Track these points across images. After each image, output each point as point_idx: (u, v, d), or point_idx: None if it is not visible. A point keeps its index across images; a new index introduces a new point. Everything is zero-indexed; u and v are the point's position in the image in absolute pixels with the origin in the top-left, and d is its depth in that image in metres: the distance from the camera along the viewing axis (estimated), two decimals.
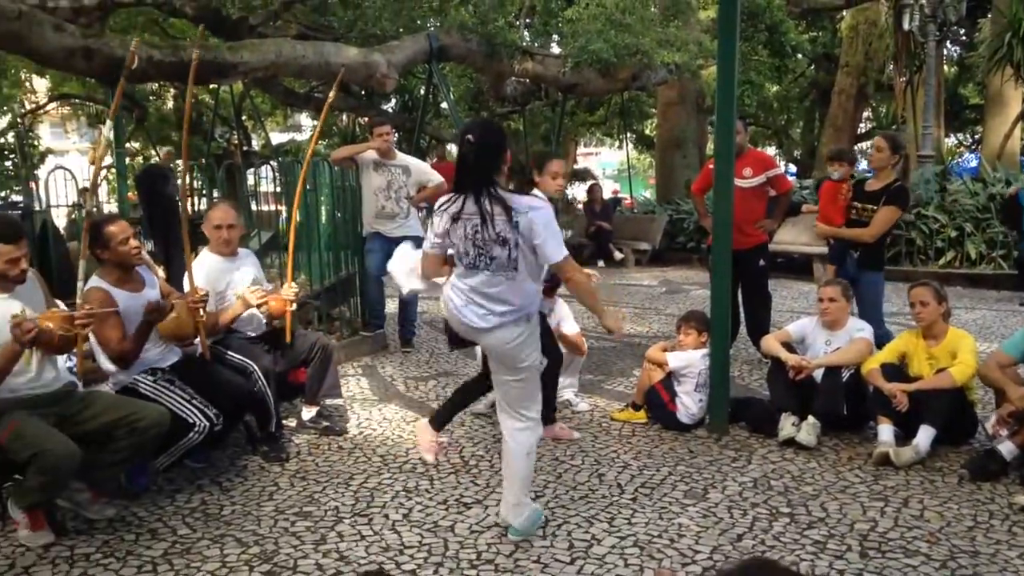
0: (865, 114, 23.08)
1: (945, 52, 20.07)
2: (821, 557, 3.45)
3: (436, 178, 7.11)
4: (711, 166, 5.72)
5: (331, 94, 5.61)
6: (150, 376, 4.28)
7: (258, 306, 4.83)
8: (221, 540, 3.70)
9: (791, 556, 3.46)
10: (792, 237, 11.21)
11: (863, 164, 15.29)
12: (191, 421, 4.12)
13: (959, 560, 3.40)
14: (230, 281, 4.91)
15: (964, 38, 20.94)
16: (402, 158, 7.15)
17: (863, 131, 23.09)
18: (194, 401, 4.20)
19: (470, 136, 3.45)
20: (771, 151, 26.29)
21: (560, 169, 4.81)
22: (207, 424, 4.14)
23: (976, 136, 23.50)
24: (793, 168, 25.20)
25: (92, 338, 4.06)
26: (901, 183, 5.71)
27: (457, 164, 3.55)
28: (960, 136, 26.34)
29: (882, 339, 5.23)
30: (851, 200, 5.89)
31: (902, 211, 5.82)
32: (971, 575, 3.27)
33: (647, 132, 26.36)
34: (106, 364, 4.26)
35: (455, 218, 3.47)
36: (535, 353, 3.61)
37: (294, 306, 5.00)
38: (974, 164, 17.73)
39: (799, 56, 20.27)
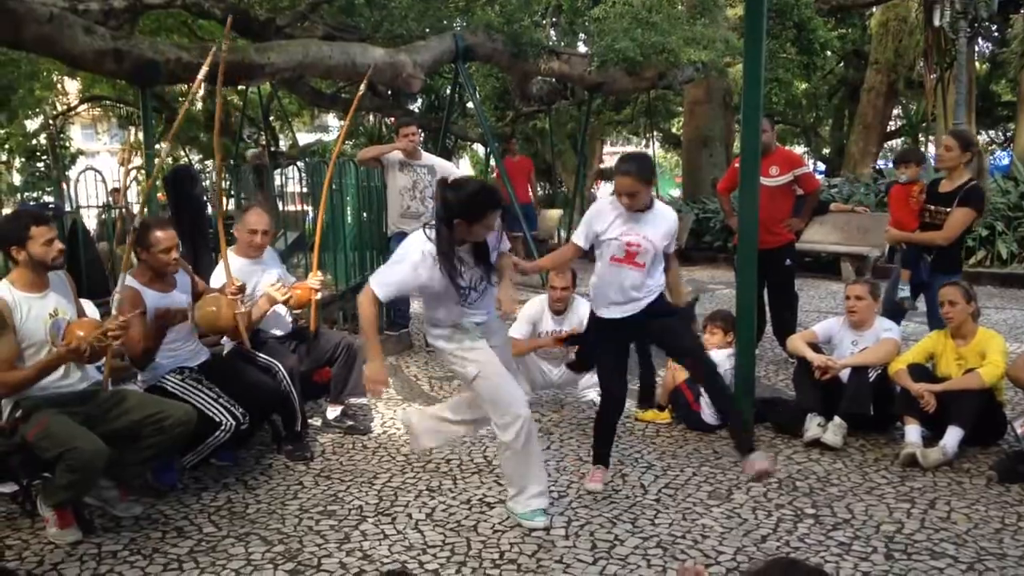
0: (895, 112, 22.83)
1: (976, 48, 19.78)
2: (846, 559, 3.42)
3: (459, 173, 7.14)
4: (737, 165, 5.67)
5: (359, 91, 5.62)
6: (178, 375, 4.34)
7: (284, 301, 4.87)
8: (246, 538, 3.73)
9: (816, 558, 3.43)
10: (820, 236, 11.12)
11: (879, 163, 15.11)
12: (218, 420, 4.16)
13: (986, 563, 3.36)
14: (257, 282, 4.96)
15: (996, 34, 20.63)
16: (427, 158, 7.17)
17: (893, 129, 22.85)
18: (221, 400, 4.24)
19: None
20: (800, 150, 26.09)
21: None
22: (234, 423, 4.18)
23: (1008, 133, 23.18)
24: (822, 167, 24.96)
25: None
26: (976, 183, 5.37)
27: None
28: (992, 133, 25.97)
29: None
30: (924, 203, 5.63)
31: (978, 213, 5.46)
32: None
33: (674, 131, 26.25)
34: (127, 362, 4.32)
35: None
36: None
37: (319, 295, 5.04)
38: (1006, 162, 17.47)
39: (828, 53, 20.07)
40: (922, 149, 15.75)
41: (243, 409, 4.27)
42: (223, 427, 4.16)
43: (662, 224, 4.01)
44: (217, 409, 4.20)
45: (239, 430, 4.24)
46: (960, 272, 5.60)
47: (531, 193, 13.81)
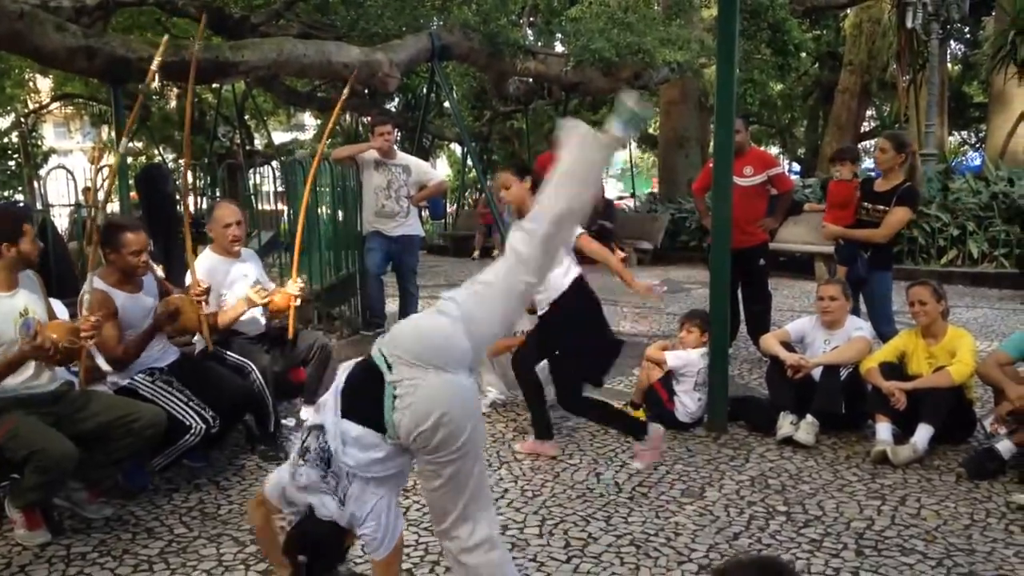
0: (869, 112, 23.04)
1: (949, 50, 20.04)
2: (817, 555, 3.44)
3: (436, 177, 7.13)
4: (712, 165, 5.71)
5: (344, 93, 5.58)
6: (148, 376, 4.29)
7: (263, 304, 4.83)
8: (218, 539, 3.70)
9: (787, 554, 3.45)
10: (794, 236, 11.19)
11: (868, 163, 15.26)
12: (188, 424, 4.12)
13: (955, 558, 3.39)
14: (232, 281, 4.92)
15: (968, 36, 20.92)
16: (403, 157, 7.16)
17: (866, 130, 23.05)
18: (192, 403, 4.20)
19: None
20: (774, 150, 26.27)
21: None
22: (203, 427, 4.14)
23: (980, 134, 23.45)
24: (797, 167, 25.15)
25: None
26: (911, 184, 5.64)
27: None
28: (963, 134, 26.28)
29: (891, 337, 5.20)
30: (860, 200, 5.84)
31: (913, 212, 5.81)
32: (967, 573, 3.27)
33: (650, 131, 26.36)
34: (104, 364, 4.27)
35: None
36: None
37: (298, 301, 5.00)
38: (978, 162, 17.68)
39: (802, 55, 20.23)
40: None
41: (213, 412, 4.22)
42: (192, 431, 4.13)
43: None
44: (187, 412, 4.16)
45: (209, 433, 4.20)
46: (892, 268, 5.90)
47: None
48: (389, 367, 2.55)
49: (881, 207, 5.66)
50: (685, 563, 3.40)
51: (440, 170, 28.90)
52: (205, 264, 4.87)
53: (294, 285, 4.94)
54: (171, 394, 4.21)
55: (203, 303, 4.48)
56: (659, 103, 17.56)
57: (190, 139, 4.93)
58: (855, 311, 5.62)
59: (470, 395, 2.61)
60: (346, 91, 5.59)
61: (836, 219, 6.07)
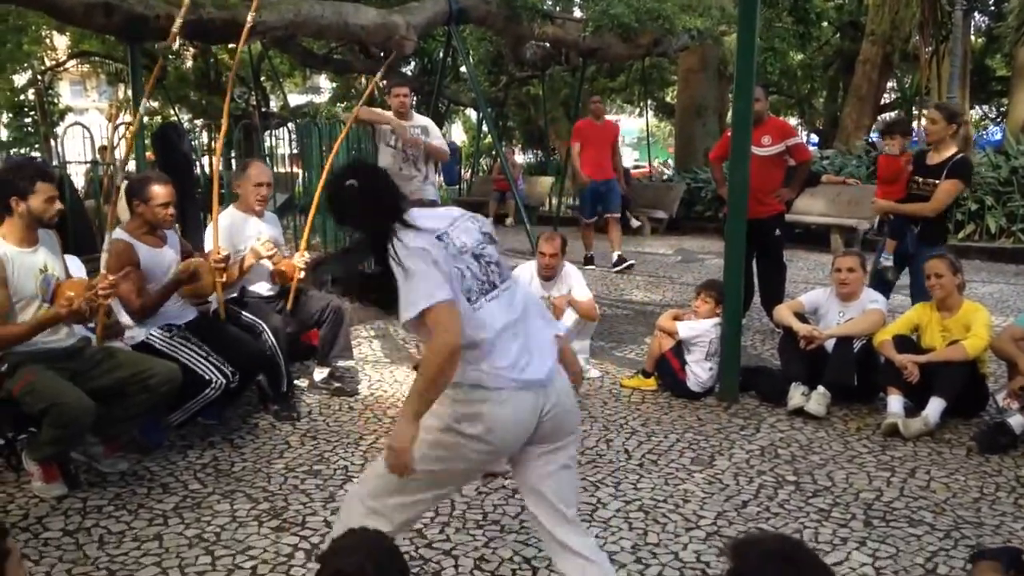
0: (889, 84, 22.76)
1: (973, 22, 19.73)
2: (825, 525, 3.46)
3: (444, 145, 7.12)
4: (730, 134, 5.66)
5: (381, 73, 5.54)
6: (166, 332, 4.33)
7: (268, 257, 4.83)
8: (231, 496, 3.75)
9: (795, 524, 3.48)
10: (810, 207, 11.14)
11: (875, 135, 15.10)
12: (208, 378, 4.16)
13: (963, 530, 3.40)
14: (249, 238, 4.92)
15: (992, 8, 20.56)
16: (419, 119, 7.11)
17: (887, 102, 22.78)
18: (211, 358, 4.24)
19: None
20: (793, 121, 26.00)
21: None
22: (223, 381, 4.19)
23: (1002, 108, 23.14)
24: (815, 138, 24.92)
25: None
26: (963, 155, 5.45)
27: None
28: (985, 108, 25.94)
29: None
30: (912, 174, 5.66)
31: (965, 184, 5.60)
32: (974, 545, 3.28)
33: (668, 100, 26.13)
34: (124, 317, 4.31)
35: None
36: None
37: (302, 275, 5.01)
38: (999, 137, 17.48)
39: (824, 24, 19.97)
40: (914, 122, 15.70)
41: (232, 368, 4.27)
42: (213, 384, 4.17)
43: None
44: (207, 367, 4.20)
45: (228, 388, 4.24)
46: (945, 244, 5.65)
47: (616, 167, 10.39)
48: None
49: (932, 181, 5.45)
50: (693, 529, 3.43)
51: (455, 136, 28.78)
52: (225, 222, 4.86)
53: (300, 258, 4.96)
54: (190, 349, 4.25)
55: (222, 271, 4.51)
56: (678, 71, 17.38)
57: (229, 98, 4.95)
58: (884, 286, 5.58)
59: None
60: (380, 74, 5.56)
61: (886, 194, 5.95)
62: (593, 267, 9.78)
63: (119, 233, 4.21)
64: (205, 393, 4.19)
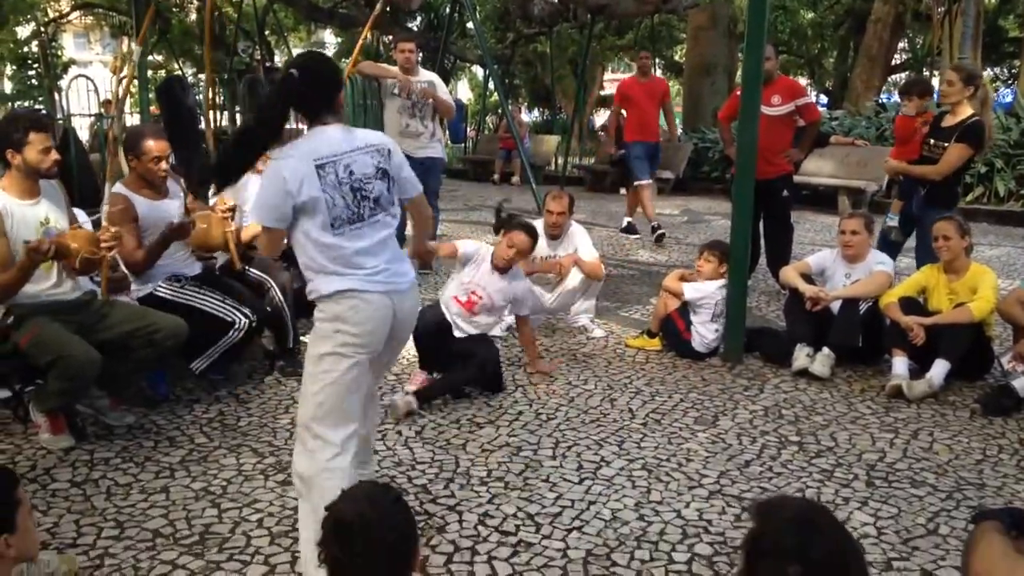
0: (900, 45, 22.50)
1: None
2: (827, 485, 3.48)
3: (450, 100, 7.06)
4: (739, 93, 5.60)
5: (376, 9, 5.46)
6: (175, 283, 4.32)
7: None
8: (237, 450, 3.78)
9: (797, 483, 3.49)
10: (818, 169, 11.06)
11: (894, 96, 14.95)
12: (230, 319, 4.17)
13: (965, 492, 3.42)
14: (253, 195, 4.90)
15: None
16: (425, 74, 7.05)
17: (897, 62, 22.55)
18: (228, 301, 4.24)
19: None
20: (803, 81, 25.75)
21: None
22: (247, 320, 4.19)
23: (1013, 70, 22.89)
24: (824, 99, 24.70)
25: None
26: (977, 119, 5.28)
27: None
28: (997, 70, 25.64)
29: None
30: (926, 136, 5.59)
31: (974, 150, 5.37)
32: (976, 507, 3.29)
33: (677, 58, 25.89)
34: (125, 269, 4.31)
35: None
36: None
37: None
38: (1009, 99, 17.30)
39: None
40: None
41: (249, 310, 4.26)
42: (237, 326, 4.17)
43: None
44: (227, 309, 4.20)
45: (251, 328, 4.24)
46: (953, 208, 5.49)
47: (669, 125, 10.33)
48: None
49: (943, 143, 5.36)
50: (695, 488, 3.45)
51: (461, 93, 28.57)
52: None
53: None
54: (205, 295, 4.25)
55: (229, 220, 4.48)
56: (687, 28, 17.20)
57: (211, 53, 4.87)
58: (890, 247, 5.56)
59: None
60: (378, 7, 5.50)
61: (899, 154, 5.94)
62: (638, 235, 9.35)
63: (118, 187, 4.19)
64: (230, 335, 4.18)
